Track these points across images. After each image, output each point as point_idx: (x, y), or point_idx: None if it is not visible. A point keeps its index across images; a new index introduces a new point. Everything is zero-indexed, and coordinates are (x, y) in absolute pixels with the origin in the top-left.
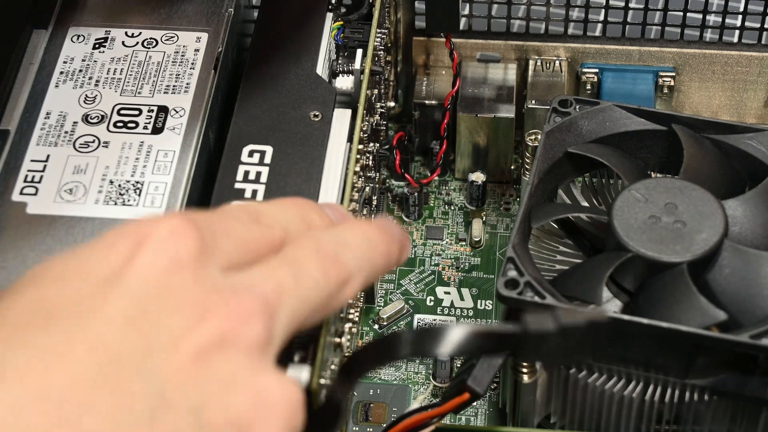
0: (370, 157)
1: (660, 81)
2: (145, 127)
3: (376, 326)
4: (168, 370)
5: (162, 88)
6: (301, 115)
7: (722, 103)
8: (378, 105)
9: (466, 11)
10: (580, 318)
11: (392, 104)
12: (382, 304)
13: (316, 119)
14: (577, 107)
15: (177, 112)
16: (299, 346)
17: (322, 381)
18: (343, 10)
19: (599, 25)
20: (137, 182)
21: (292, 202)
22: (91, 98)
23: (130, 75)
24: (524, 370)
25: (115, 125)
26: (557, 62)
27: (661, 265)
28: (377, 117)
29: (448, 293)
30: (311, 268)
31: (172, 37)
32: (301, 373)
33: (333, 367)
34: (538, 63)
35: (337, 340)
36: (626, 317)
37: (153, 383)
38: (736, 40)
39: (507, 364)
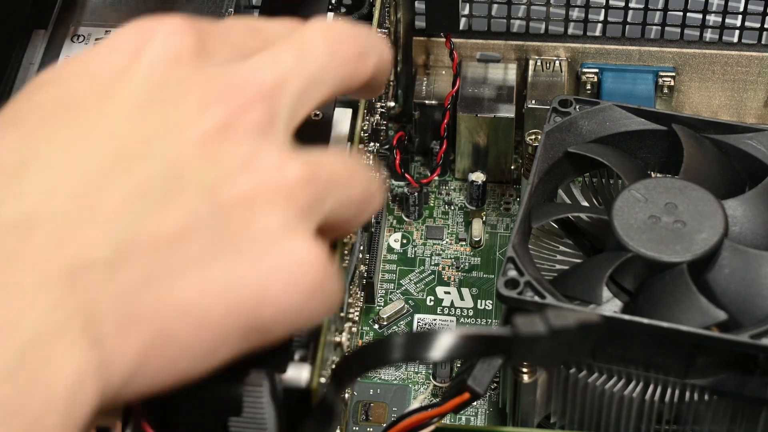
0: (371, 157)
1: (660, 81)
2: None
3: (376, 326)
4: (176, 154)
5: None
6: None
7: (722, 103)
8: (378, 105)
9: (466, 11)
10: (571, 319)
11: (392, 104)
12: (382, 304)
13: (317, 118)
14: (577, 107)
15: None
16: (299, 345)
17: (323, 380)
18: (343, 10)
19: (599, 25)
20: None
21: (292, 20)
22: None
23: None
24: (524, 370)
25: None
26: (557, 62)
27: (661, 265)
28: (377, 117)
29: (448, 293)
30: (317, 48)
31: None
32: (301, 372)
33: (333, 366)
34: (538, 63)
35: (337, 339)
36: (626, 317)
37: (163, 166)
38: (736, 40)
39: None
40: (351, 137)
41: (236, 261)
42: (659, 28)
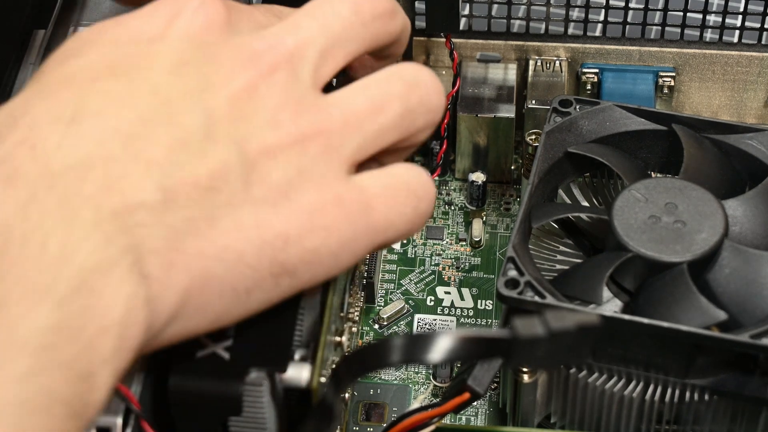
0: None
1: (660, 81)
2: None
3: (376, 326)
4: (210, 110)
5: None
6: None
7: (722, 103)
8: None
9: (466, 11)
10: (570, 321)
11: None
12: (383, 304)
13: None
14: (578, 107)
15: None
16: (299, 344)
17: (323, 380)
18: None
19: (599, 25)
20: None
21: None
22: None
23: None
24: (524, 370)
25: None
26: (557, 62)
27: (661, 265)
28: None
29: (449, 293)
30: (342, 7)
31: None
32: (301, 372)
33: (333, 366)
34: (538, 63)
35: (338, 339)
36: (626, 317)
37: (199, 120)
38: (736, 40)
39: None
40: None
41: (261, 205)
42: (659, 28)
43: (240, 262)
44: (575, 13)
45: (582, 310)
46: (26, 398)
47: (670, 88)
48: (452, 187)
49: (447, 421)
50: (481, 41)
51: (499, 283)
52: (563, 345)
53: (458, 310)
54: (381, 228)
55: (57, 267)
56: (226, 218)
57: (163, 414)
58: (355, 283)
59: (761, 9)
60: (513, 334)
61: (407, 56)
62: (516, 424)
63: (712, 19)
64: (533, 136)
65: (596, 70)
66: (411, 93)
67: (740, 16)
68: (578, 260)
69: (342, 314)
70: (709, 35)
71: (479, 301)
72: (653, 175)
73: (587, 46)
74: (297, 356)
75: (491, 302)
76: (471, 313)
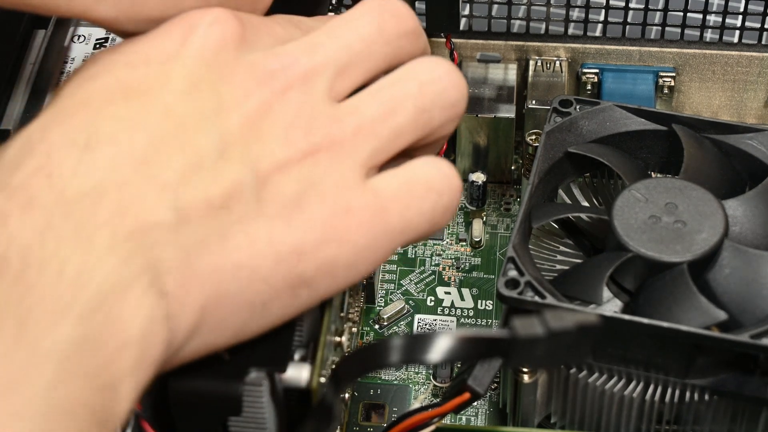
0: None
1: (660, 81)
2: None
3: (376, 326)
4: (223, 129)
5: None
6: None
7: (722, 103)
8: None
9: (466, 11)
10: (569, 321)
11: None
12: (383, 304)
13: None
14: (578, 107)
15: None
16: (299, 344)
17: (323, 380)
18: (343, 10)
19: (599, 26)
20: None
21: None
22: None
23: None
24: (524, 370)
25: None
26: (557, 62)
27: (661, 265)
28: None
29: (449, 293)
30: (363, 23)
31: None
32: (301, 372)
33: (333, 366)
34: (539, 63)
35: (338, 339)
36: (626, 317)
37: (212, 140)
38: (736, 40)
39: None
40: None
41: (274, 221)
42: (659, 28)
43: (255, 278)
44: (575, 13)
45: (581, 310)
46: (53, 405)
47: (671, 88)
48: None
49: (447, 421)
50: (481, 41)
51: (500, 283)
52: (563, 345)
53: (458, 311)
54: (399, 229)
55: (75, 288)
56: (240, 235)
57: (163, 414)
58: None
59: (761, 9)
60: (512, 334)
61: None
62: (516, 424)
63: (712, 19)
64: (533, 136)
65: (596, 70)
66: (425, 91)
67: (740, 16)
68: (578, 260)
69: (342, 314)
70: (709, 35)
71: (479, 301)
72: (653, 175)
73: (587, 46)
74: (297, 356)
75: (491, 302)
76: (471, 314)
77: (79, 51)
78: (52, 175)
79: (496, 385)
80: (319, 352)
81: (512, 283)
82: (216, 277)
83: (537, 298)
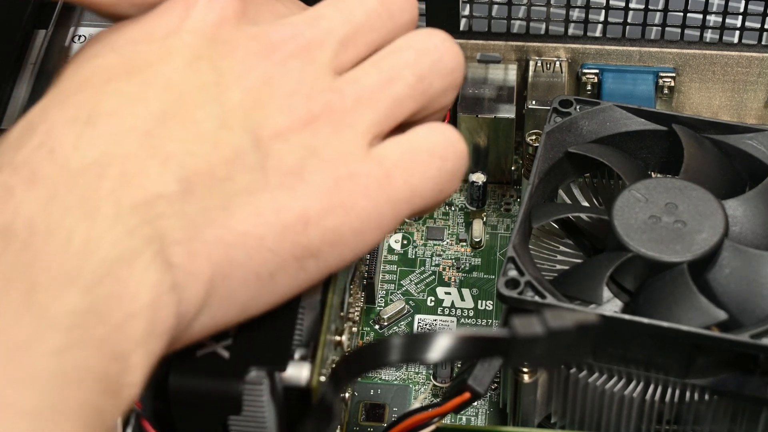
0: None
1: (660, 81)
2: None
3: (376, 326)
4: (224, 100)
5: None
6: None
7: (722, 103)
8: None
9: (466, 11)
10: (569, 320)
11: None
12: (383, 305)
13: None
14: (578, 107)
15: None
16: (299, 344)
17: (323, 379)
18: None
19: (599, 26)
20: None
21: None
22: None
23: None
24: (525, 370)
25: None
26: (557, 63)
27: (661, 265)
28: None
29: (449, 294)
30: (354, 3)
31: None
32: (301, 371)
33: (333, 366)
34: (539, 63)
35: (338, 338)
36: (626, 317)
37: (214, 111)
38: (736, 40)
39: None
40: None
41: (278, 190)
42: (659, 28)
43: (261, 248)
44: (575, 14)
45: (581, 309)
46: (60, 371)
47: (671, 88)
48: None
49: (447, 421)
50: (481, 42)
51: (500, 283)
52: (562, 344)
53: (458, 311)
54: (404, 197)
55: (82, 258)
56: (244, 205)
57: (163, 413)
58: (355, 283)
59: (761, 9)
60: (512, 334)
61: None
62: (516, 424)
63: (712, 19)
64: (533, 137)
65: (596, 71)
66: (422, 59)
67: (740, 17)
68: (578, 260)
69: (342, 314)
70: (709, 36)
71: (479, 301)
72: (653, 175)
73: (587, 46)
74: (297, 355)
75: (491, 303)
76: (471, 314)
77: (58, 72)
78: (54, 150)
79: (496, 385)
80: (319, 352)
81: (512, 283)
82: (222, 247)
83: (537, 298)
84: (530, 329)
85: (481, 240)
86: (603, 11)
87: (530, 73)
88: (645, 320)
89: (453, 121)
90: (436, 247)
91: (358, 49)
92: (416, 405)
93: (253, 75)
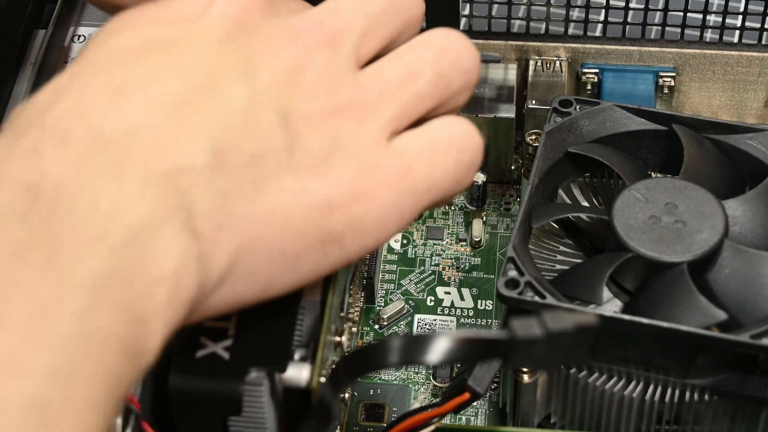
0: None
1: (660, 81)
2: None
3: (376, 326)
4: (254, 81)
5: None
6: None
7: (722, 103)
8: None
9: (467, 11)
10: (568, 322)
11: None
12: (383, 304)
13: None
14: (578, 107)
15: None
16: (299, 344)
17: (323, 379)
18: None
19: (599, 26)
20: None
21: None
22: None
23: None
24: (524, 370)
25: None
26: (557, 62)
27: (661, 265)
28: None
29: (449, 293)
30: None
31: None
32: (301, 372)
33: (333, 366)
34: (539, 63)
35: (338, 339)
36: (626, 317)
37: (244, 90)
38: (736, 40)
39: None
40: None
41: (305, 173)
42: (659, 28)
43: (287, 227)
44: (575, 13)
45: (580, 310)
46: (82, 333)
47: (671, 88)
48: None
49: (447, 421)
50: (481, 41)
51: (499, 283)
52: (561, 345)
53: (458, 311)
54: (424, 188)
55: (108, 220)
56: (272, 184)
57: (163, 414)
58: (355, 283)
59: (761, 9)
60: (510, 335)
61: None
62: (516, 424)
63: (712, 19)
64: (533, 136)
65: (596, 70)
66: (441, 58)
67: (740, 16)
68: (578, 260)
69: (342, 314)
70: (709, 35)
71: (479, 301)
72: (653, 175)
73: (587, 46)
74: (297, 356)
75: (491, 302)
76: (471, 314)
77: (79, 51)
78: (85, 116)
79: (496, 385)
80: (319, 352)
81: (512, 283)
82: (249, 223)
83: (537, 298)
84: (529, 331)
85: (480, 240)
86: (603, 11)
87: (530, 72)
88: (645, 320)
89: None
90: (435, 246)
91: (376, 43)
92: (416, 405)
93: (281, 59)
